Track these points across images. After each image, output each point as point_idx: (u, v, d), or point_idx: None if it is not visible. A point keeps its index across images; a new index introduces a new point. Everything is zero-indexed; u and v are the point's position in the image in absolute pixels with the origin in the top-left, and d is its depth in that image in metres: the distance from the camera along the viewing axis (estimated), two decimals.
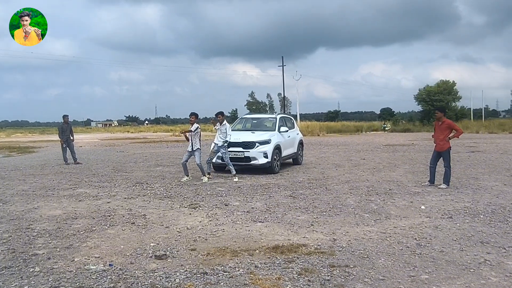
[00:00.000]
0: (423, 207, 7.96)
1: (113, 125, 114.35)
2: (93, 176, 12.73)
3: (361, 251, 5.35)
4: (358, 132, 50.79)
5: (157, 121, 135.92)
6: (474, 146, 22.95)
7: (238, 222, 6.94)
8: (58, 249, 5.55)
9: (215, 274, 4.59)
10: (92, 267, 4.86)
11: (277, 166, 13.02)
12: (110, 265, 4.93)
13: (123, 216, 7.39)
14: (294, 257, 5.14)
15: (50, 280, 4.46)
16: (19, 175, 13.16)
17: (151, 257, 5.22)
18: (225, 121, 11.88)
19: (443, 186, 10.05)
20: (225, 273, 4.60)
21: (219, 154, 11.95)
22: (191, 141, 11.44)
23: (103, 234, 6.31)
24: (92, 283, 4.38)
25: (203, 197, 9.17)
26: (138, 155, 20.71)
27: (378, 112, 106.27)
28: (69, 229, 6.59)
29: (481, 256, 5.16)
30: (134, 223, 6.94)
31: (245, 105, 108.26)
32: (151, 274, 4.63)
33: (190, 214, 7.59)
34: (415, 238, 5.92)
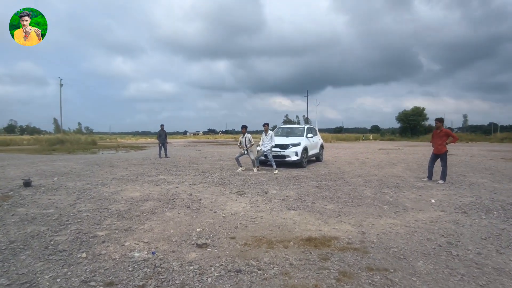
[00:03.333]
0: (432, 200, 5.82)
1: (199, 134, 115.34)
2: (173, 166, 11.30)
3: (395, 250, 3.40)
4: (357, 140, 47.27)
5: (227, 132, 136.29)
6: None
7: (275, 210, 5.12)
8: (117, 231, 3.99)
9: (248, 272, 2.82)
10: (136, 254, 3.24)
11: (305, 162, 11.09)
12: (152, 253, 3.28)
13: (183, 200, 5.76)
14: (328, 252, 3.28)
15: (87, 271, 2.86)
16: (125, 164, 11.97)
17: (193, 244, 3.54)
18: (269, 131, 10.15)
19: (441, 181, 7.78)
20: (259, 272, 2.83)
21: (264, 152, 10.23)
22: (245, 146, 10.11)
23: (161, 216, 4.70)
24: (124, 278, 2.73)
25: (248, 185, 7.42)
26: (209, 152, 19.25)
27: (369, 128, 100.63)
28: (137, 210, 5.03)
29: None
30: (189, 206, 5.29)
31: (281, 123, 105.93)
32: (186, 268, 2.93)
33: (236, 200, 5.84)
34: (442, 235, 3.88)
